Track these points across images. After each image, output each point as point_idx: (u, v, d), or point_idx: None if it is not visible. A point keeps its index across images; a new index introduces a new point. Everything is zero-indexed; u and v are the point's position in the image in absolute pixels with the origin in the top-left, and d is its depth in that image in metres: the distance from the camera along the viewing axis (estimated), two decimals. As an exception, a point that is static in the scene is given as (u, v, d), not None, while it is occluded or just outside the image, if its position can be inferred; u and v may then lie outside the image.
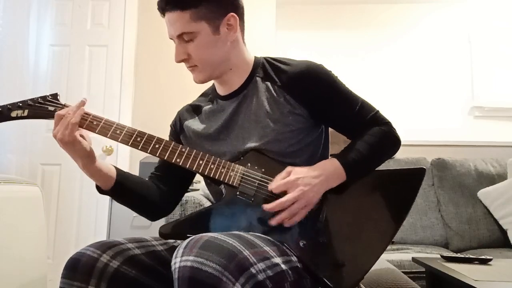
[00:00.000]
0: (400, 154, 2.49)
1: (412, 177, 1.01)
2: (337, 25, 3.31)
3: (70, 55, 3.01)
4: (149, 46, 2.99)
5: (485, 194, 2.28)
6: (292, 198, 0.90)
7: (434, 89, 3.17)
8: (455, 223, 2.28)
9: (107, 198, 2.36)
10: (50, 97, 1.03)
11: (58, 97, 1.04)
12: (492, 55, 3.16)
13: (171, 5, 0.96)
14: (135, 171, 2.74)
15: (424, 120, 3.10)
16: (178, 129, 1.16)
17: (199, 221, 0.94)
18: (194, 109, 1.16)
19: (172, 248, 1.01)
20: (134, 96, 2.98)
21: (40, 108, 1.01)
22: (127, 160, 2.88)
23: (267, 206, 0.90)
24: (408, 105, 3.11)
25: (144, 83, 2.99)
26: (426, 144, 2.85)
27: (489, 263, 1.32)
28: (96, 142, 1.05)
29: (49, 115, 1.01)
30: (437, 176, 2.42)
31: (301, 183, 0.91)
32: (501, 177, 2.34)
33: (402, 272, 1.23)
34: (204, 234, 0.76)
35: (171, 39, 1.03)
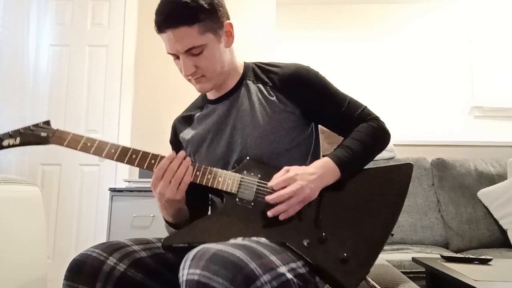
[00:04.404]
0: (400, 154, 2.51)
1: (402, 172, 1.04)
2: (337, 25, 3.31)
3: (70, 55, 3.01)
4: (149, 46, 2.99)
5: (485, 194, 2.28)
6: (290, 191, 0.91)
7: (434, 89, 3.17)
8: (455, 223, 2.28)
9: (107, 198, 2.36)
10: (42, 124, 1.04)
11: (50, 124, 1.05)
12: (492, 55, 3.17)
13: (176, 22, 0.96)
14: (135, 173, 2.75)
15: (424, 120, 3.10)
16: (176, 143, 1.19)
17: (202, 230, 0.93)
18: (186, 120, 1.18)
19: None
20: (134, 96, 2.98)
21: (32, 135, 1.02)
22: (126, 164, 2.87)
23: (268, 198, 0.92)
24: (408, 105, 3.11)
25: (144, 83, 2.99)
26: (426, 144, 2.84)
27: (489, 263, 1.32)
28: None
29: (42, 141, 1.02)
30: (437, 176, 2.42)
31: (299, 179, 0.93)
32: (501, 177, 2.34)
33: (402, 272, 1.23)
34: (210, 245, 0.75)
35: (170, 54, 1.02)
